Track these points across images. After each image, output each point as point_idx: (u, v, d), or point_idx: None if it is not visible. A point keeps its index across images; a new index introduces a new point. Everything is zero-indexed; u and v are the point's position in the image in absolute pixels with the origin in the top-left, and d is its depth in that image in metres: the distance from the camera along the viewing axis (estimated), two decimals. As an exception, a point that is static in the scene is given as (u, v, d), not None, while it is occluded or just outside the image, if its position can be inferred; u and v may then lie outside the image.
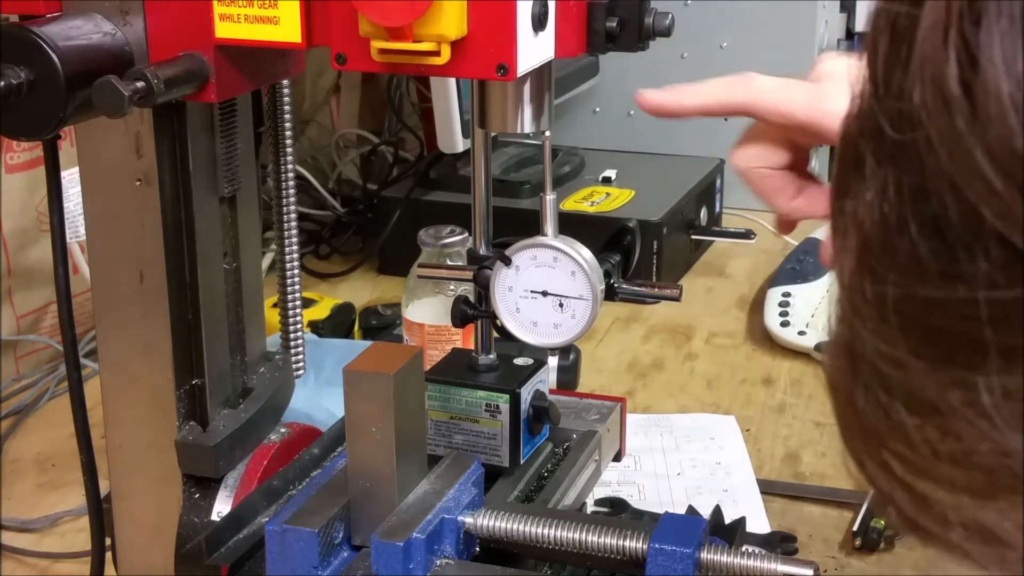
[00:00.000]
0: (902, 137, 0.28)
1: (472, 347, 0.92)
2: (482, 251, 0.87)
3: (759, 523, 1.08)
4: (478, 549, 0.79)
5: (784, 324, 1.48)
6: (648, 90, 0.75)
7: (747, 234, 1.68)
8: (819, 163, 0.88)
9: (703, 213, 1.78)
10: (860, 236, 0.30)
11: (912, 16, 0.28)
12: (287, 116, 0.89)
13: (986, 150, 0.26)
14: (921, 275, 0.29)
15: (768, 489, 1.15)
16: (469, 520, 0.78)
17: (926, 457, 0.30)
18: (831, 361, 0.33)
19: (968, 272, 0.27)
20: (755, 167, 0.77)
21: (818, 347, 1.39)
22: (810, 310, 1.49)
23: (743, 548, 0.76)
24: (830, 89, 0.70)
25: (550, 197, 0.81)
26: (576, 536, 0.76)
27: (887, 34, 0.30)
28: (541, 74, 0.76)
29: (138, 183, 0.80)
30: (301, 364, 0.95)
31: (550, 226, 0.81)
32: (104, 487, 0.87)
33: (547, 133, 0.79)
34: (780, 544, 1.04)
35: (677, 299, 0.86)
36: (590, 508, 1.05)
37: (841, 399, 0.33)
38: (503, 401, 0.88)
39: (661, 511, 0.84)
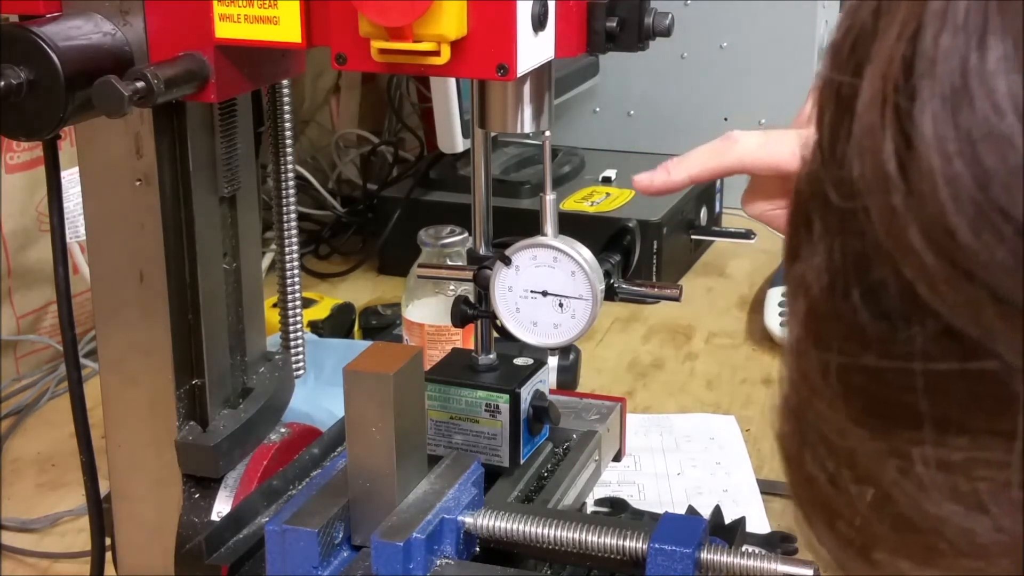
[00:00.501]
0: (846, 205, 0.28)
1: (472, 347, 0.92)
2: (482, 251, 0.87)
3: (759, 523, 1.08)
4: (478, 549, 0.79)
5: (784, 324, 1.47)
6: (641, 175, 0.77)
7: (747, 234, 1.68)
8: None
9: (703, 213, 1.78)
10: (807, 301, 0.31)
11: (853, 86, 0.29)
12: (287, 116, 0.89)
13: (920, 228, 0.26)
14: (863, 343, 0.29)
15: (768, 489, 1.15)
16: (469, 520, 0.78)
17: (871, 523, 0.30)
18: (781, 426, 0.34)
19: (905, 343, 0.28)
20: (767, 212, 0.78)
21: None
22: (810, 310, 1.49)
23: (743, 548, 0.76)
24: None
25: (550, 197, 0.81)
26: (576, 536, 0.76)
27: (832, 102, 0.30)
28: (541, 74, 0.76)
29: (138, 183, 0.80)
30: (301, 364, 0.95)
31: (550, 226, 0.81)
32: (104, 487, 0.87)
33: (547, 133, 0.79)
34: (780, 544, 1.04)
35: (677, 299, 0.86)
36: (590, 508, 1.05)
37: (792, 465, 0.33)
38: (503, 401, 0.88)
39: (661, 511, 0.84)
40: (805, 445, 0.32)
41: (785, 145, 0.71)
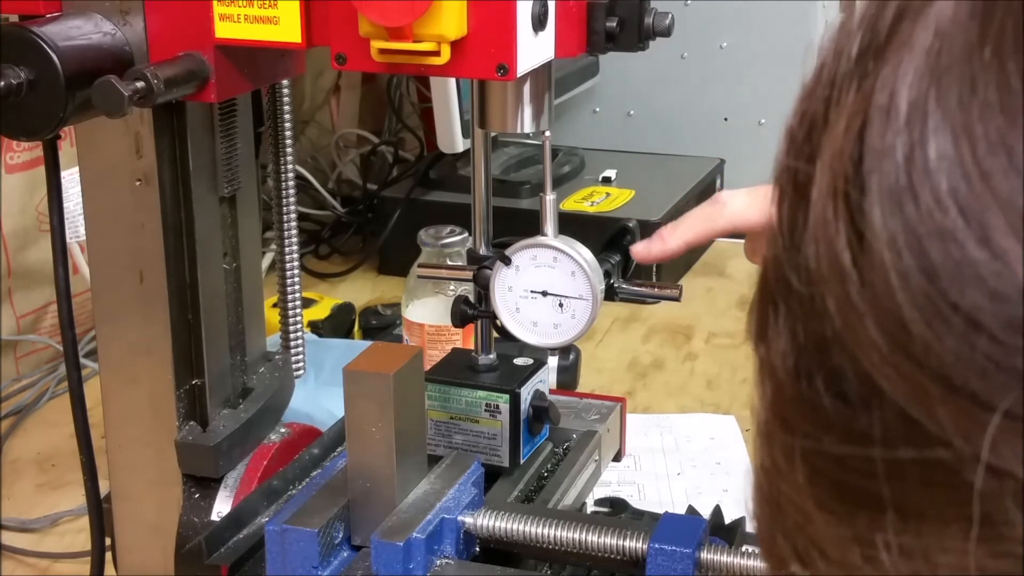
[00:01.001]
0: (806, 291, 0.29)
1: (472, 347, 0.92)
2: (482, 251, 0.87)
3: (759, 523, 1.08)
4: (478, 549, 0.79)
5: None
6: (639, 245, 0.78)
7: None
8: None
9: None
10: (773, 383, 0.31)
11: (808, 174, 0.29)
12: (287, 116, 0.89)
13: (875, 319, 0.27)
14: (826, 427, 0.29)
15: (768, 489, 1.15)
16: (469, 520, 0.78)
17: None
18: (755, 509, 0.34)
19: (865, 428, 0.28)
20: None
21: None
22: (810, 310, 1.49)
23: (743, 548, 0.76)
24: None
25: (550, 197, 0.81)
26: (576, 536, 0.76)
27: (790, 187, 0.30)
28: (541, 74, 0.76)
29: (138, 183, 0.80)
30: (301, 364, 0.95)
31: (550, 226, 0.81)
32: (104, 487, 0.87)
33: (547, 133, 0.79)
34: (780, 544, 1.04)
35: (677, 299, 0.85)
36: (590, 508, 1.05)
37: (765, 547, 0.34)
38: (503, 401, 0.88)
39: (661, 511, 0.84)
40: (776, 528, 0.32)
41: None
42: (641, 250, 0.77)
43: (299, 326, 0.94)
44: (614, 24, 0.72)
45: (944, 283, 0.26)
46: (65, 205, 0.82)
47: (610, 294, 0.83)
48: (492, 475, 0.87)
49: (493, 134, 0.89)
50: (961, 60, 0.27)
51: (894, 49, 0.28)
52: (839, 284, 0.28)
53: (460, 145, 1.58)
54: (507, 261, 0.81)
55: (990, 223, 0.25)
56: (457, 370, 0.91)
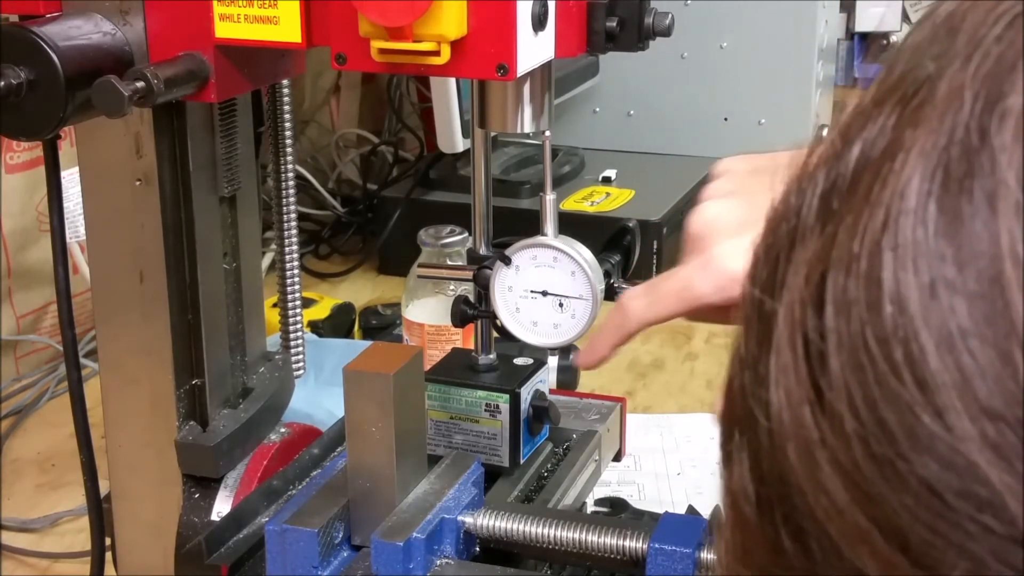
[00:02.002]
0: (769, 425, 0.29)
1: (472, 347, 0.92)
2: (482, 251, 0.87)
3: (759, 523, 1.08)
4: (478, 549, 0.79)
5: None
6: (579, 357, 0.80)
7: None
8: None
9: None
10: (735, 513, 0.31)
11: (773, 310, 0.29)
12: (287, 116, 0.89)
13: (834, 474, 0.27)
14: (784, 568, 0.29)
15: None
16: (469, 520, 0.78)
17: None
18: None
19: (824, 574, 0.28)
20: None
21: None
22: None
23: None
24: (694, 268, 0.70)
25: (550, 197, 0.81)
26: (576, 536, 0.76)
27: (755, 318, 0.30)
28: (541, 74, 0.76)
29: (138, 183, 0.80)
30: (301, 364, 0.95)
31: (550, 226, 0.81)
32: (104, 487, 0.87)
33: (547, 133, 0.79)
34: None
35: (677, 299, 0.85)
36: (590, 508, 1.05)
37: None
38: (503, 401, 0.88)
39: (661, 511, 0.84)
40: None
41: (670, 296, 0.72)
42: (582, 359, 0.79)
43: (299, 326, 0.94)
44: (614, 24, 0.72)
45: (902, 447, 0.26)
46: (65, 205, 0.82)
47: (610, 294, 0.83)
48: (492, 475, 0.87)
49: (493, 134, 0.89)
50: (923, 231, 0.27)
51: (858, 200, 0.28)
52: (800, 434, 0.28)
53: (460, 145, 1.58)
54: (507, 261, 0.81)
55: (944, 402, 0.25)
56: (457, 370, 0.91)
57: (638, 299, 0.73)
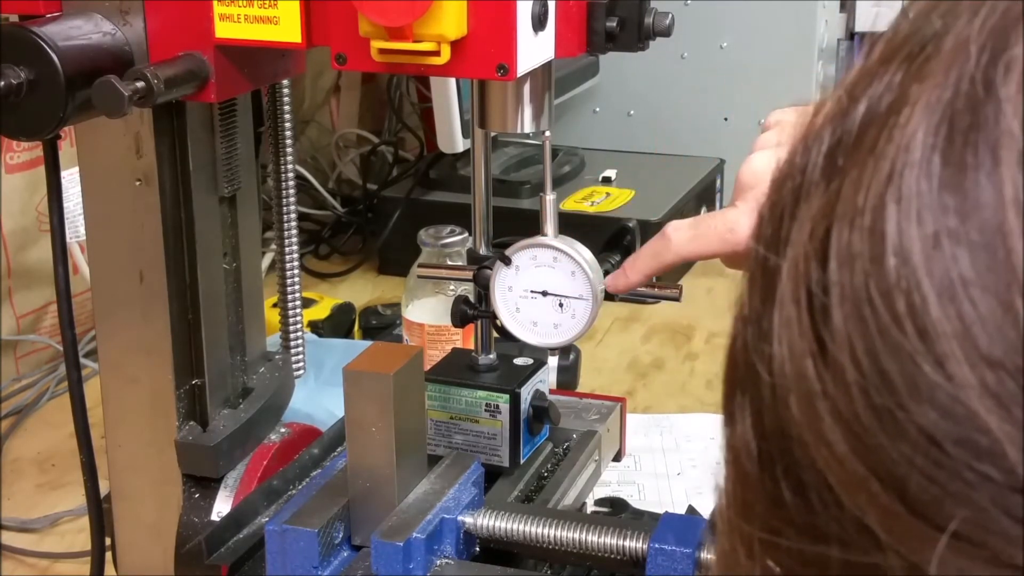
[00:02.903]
0: (771, 381, 0.29)
1: (472, 347, 0.92)
2: (482, 251, 0.87)
3: (759, 523, 1.08)
4: (478, 549, 0.79)
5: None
6: (608, 279, 0.81)
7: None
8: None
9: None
10: (736, 468, 0.31)
11: (777, 266, 0.30)
12: (287, 116, 0.89)
13: (835, 425, 0.27)
14: (785, 520, 0.29)
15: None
16: (469, 520, 0.78)
17: None
18: None
19: (824, 527, 0.28)
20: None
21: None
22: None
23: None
24: (742, 212, 0.73)
25: (550, 197, 0.81)
26: (576, 536, 0.76)
27: (759, 274, 0.31)
28: (541, 74, 0.76)
29: (138, 183, 0.80)
30: (301, 364, 0.95)
31: (550, 226, 0.81)
32: (104, 487, 0.87)
33: (547, 133, 0.79)
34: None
35: (677, 299, 0.85)
36: (590, 508, 1.05)
37: None
38: (503, 401, 0.88)
39: (661, 511, 0.84)
40: None
41: (714, 233, 0.75)
42: (609, 283, 0.80)
43: (299, 326, 0.94)
44: (614, 24, 0.72)
45: (902, 397, 0.26)
46: (65, 205, 0.82)
47: (610, 294, 0.83)
48: (492, 475, 0.87)
49: (493, 134, 0.89)
50: (927, 184, 0.27)
51: (862, 154, 0.28)
52: (802, 386, 0.28)
53: (460, 145, 1.58)
54: (507, 261, 0.81)
55: (944, 351, 0.25)
56: (457, 370, 0.91)
57: (683, 231, 0.75)
